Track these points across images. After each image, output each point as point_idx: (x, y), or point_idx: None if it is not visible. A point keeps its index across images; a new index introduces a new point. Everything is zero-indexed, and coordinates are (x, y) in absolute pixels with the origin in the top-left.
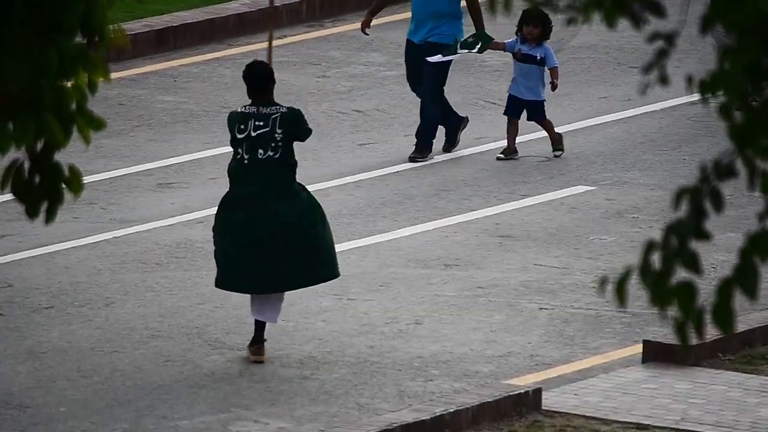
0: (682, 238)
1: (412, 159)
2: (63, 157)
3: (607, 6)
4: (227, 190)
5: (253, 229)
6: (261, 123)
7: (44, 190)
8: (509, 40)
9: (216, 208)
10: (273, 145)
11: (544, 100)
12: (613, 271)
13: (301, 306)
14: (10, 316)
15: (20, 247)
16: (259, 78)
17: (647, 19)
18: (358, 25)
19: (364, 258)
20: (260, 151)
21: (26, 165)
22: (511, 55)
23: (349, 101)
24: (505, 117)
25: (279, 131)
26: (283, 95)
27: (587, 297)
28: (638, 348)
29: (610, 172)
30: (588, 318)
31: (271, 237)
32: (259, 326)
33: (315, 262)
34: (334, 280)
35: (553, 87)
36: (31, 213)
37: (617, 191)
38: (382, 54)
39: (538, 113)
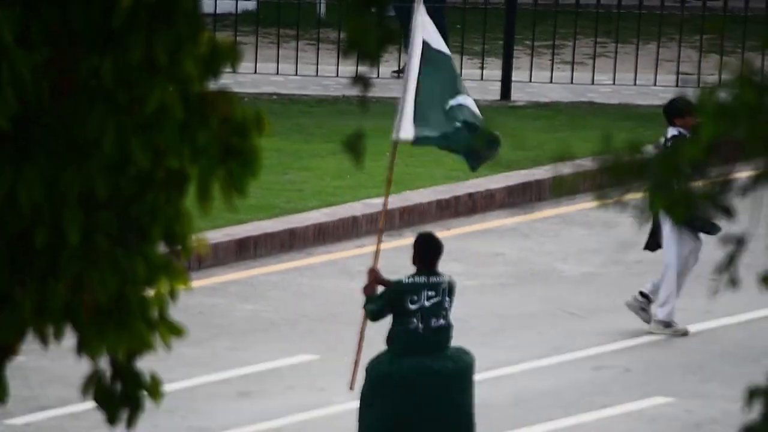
0: None
1: None
2: (144, 365)
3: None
4: (383, 359)
5: (416, 391)
6: (432, 293)
7: (125, 398)
8: None
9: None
10: (444, 313)
11: None
12: None
13: None
14: None
15: None
16: (437, 249)
17: (717, 220)
18: (438, 233)
19: None
20: (433, 320)
21: (108, 373)
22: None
23: None
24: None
25: (447, 300)
26: None
27: None
28: None
29: (690, 383)
30: None
31: (431, 398)
32: None
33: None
34: None
35: None
36: (112, 420)
37: (696, 403)
38: (461, 264)
39: None
